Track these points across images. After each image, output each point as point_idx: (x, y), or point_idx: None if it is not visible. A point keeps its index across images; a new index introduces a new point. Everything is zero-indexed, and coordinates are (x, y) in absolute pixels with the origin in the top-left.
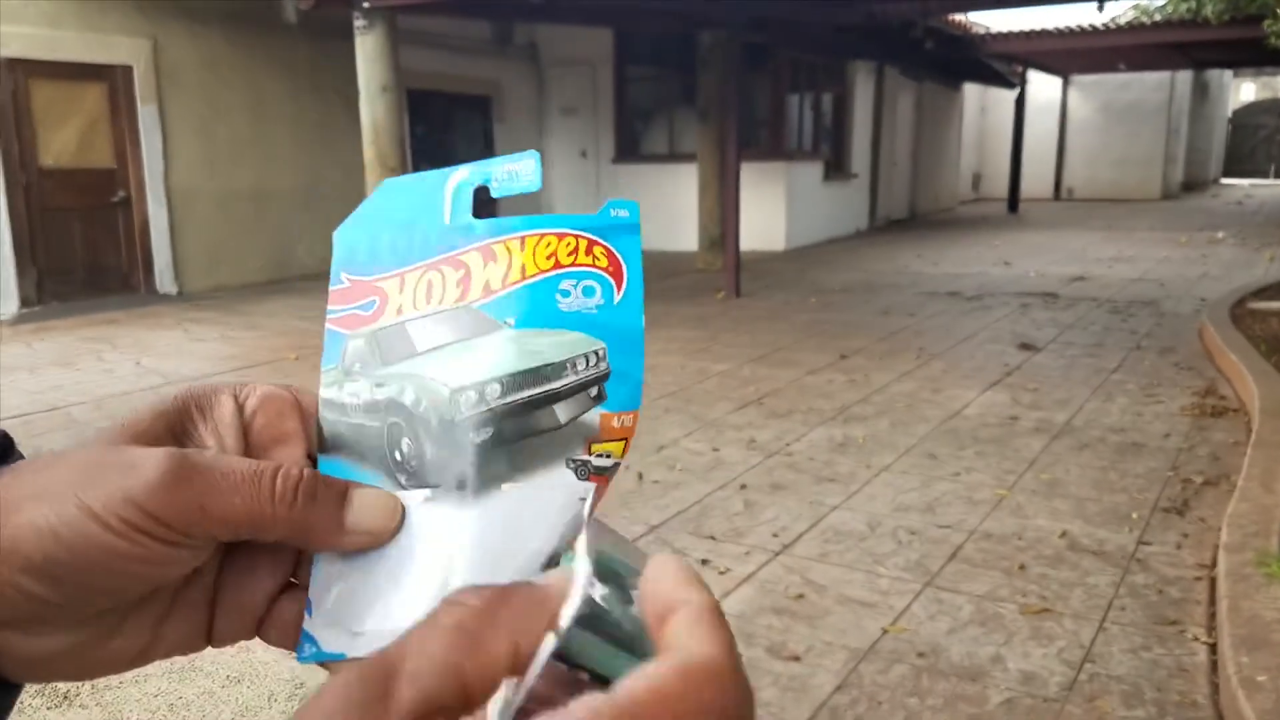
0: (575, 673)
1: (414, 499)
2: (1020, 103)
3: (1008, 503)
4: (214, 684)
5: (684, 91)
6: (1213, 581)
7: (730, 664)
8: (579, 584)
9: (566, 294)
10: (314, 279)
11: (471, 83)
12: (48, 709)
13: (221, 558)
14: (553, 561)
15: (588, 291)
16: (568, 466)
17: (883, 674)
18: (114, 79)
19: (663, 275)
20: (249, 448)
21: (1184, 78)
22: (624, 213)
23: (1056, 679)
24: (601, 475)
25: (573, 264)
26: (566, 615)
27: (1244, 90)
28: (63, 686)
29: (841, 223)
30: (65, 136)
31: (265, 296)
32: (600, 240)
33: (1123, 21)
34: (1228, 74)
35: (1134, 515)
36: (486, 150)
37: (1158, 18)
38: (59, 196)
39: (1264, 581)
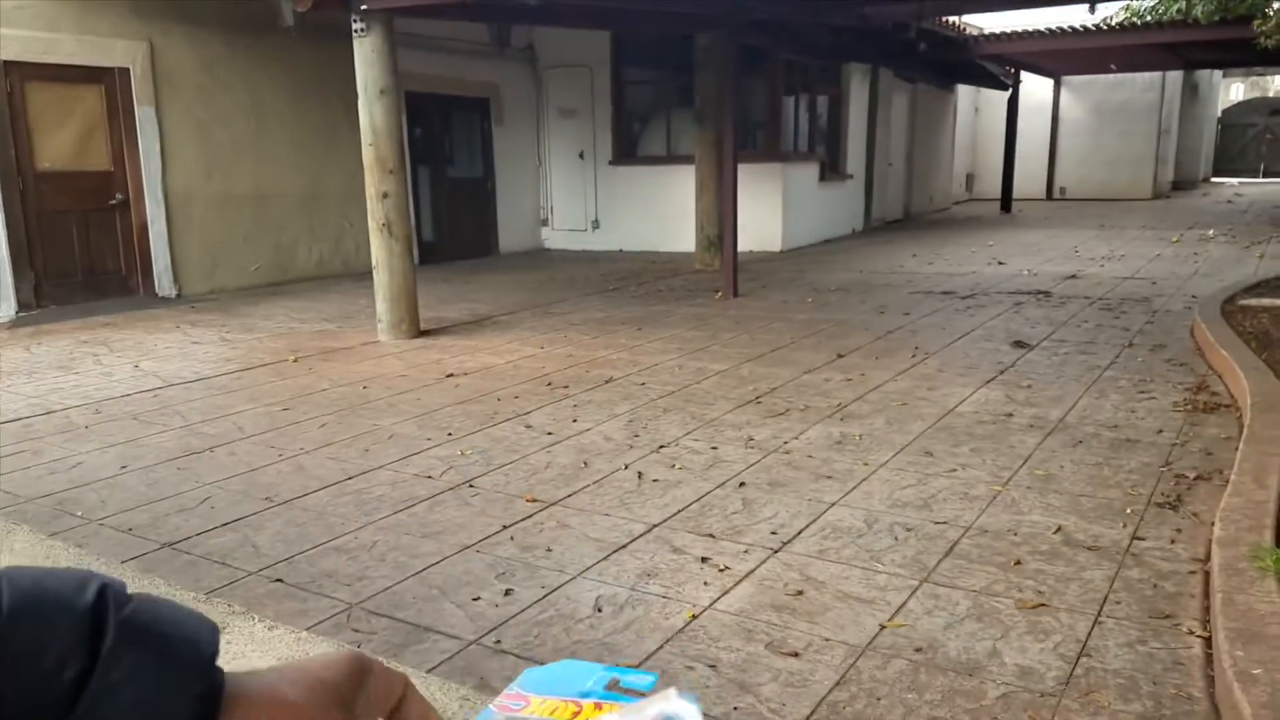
0: None
1: None
2: (1013, 103)
3: (1003, 498)
4: None
5: (681, 94)
6: (1207, 575)
7: None
8: None
9: None
10: (313, 281)
11: (470, 85)
12: None
13: None
14: None
15: None
16: None
17: (881, 670)
18: (110, 81)
19: (661, 276)
20: None
21: (1174, 78)
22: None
23: (1053, 673)
24: None
25: None
26: None
27: (1233, 90)
28: None
29: (837, 223)
30: (62, 139)
31: (264, 299)
32: None
33: (1114, 23)
34: (1217, 74)
35: (1128, 510)
36: (485, 152)
37: (1148, 19)
38: (56, 199)
39: (1257, 575)
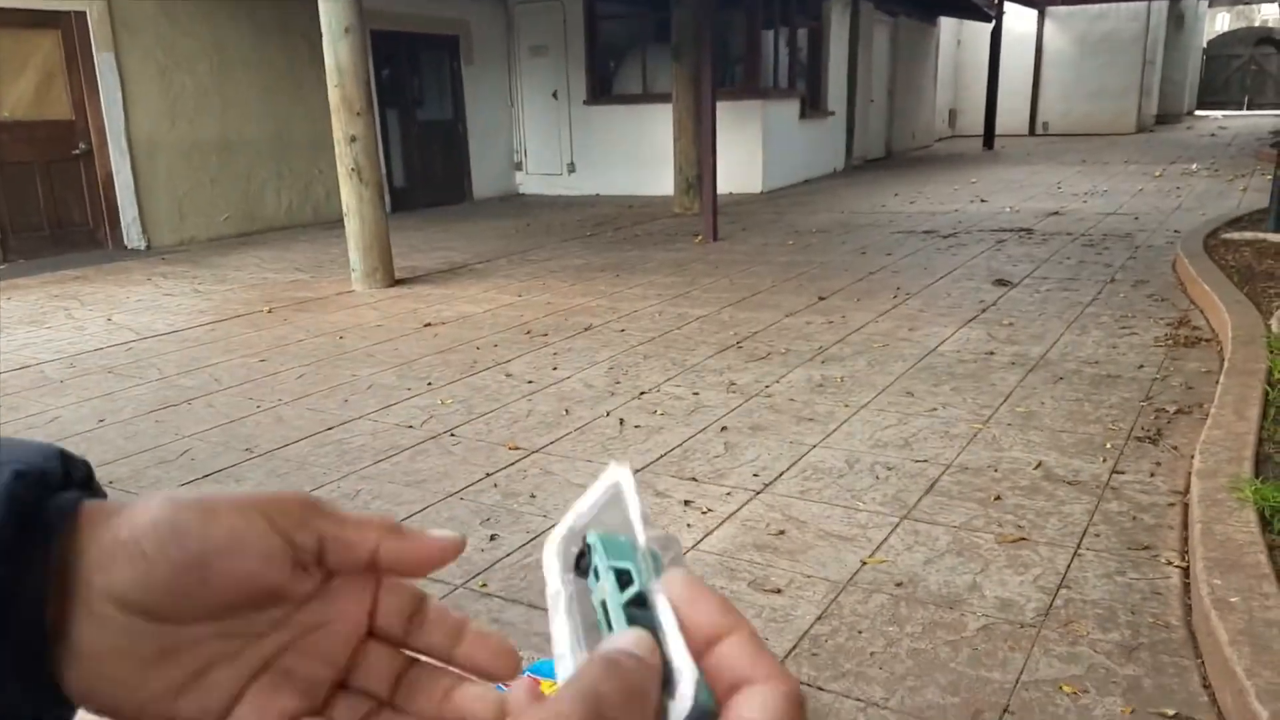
0: None
1: None
2: (996, 36)
3: (983, 436)
4: None
5: (658, 28)
6: (1185, 507)
7: None
8: (685, 694)
9: None
10: (283, 230)
11: (438, 22)
12: None
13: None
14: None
15: None
16: None
17: (862, 604)
18: (67, 26)
19: (639, 220)
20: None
21: (1159, 7)
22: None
23: (1033, 605)
24: None
25: None
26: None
27: (1219, 20)
28: None
29: (818, 163)
30: (20, 88)
31: (235, 249)
32: None
33: None
34: (1203, 3)
35: (1108, 445)
36: (455, 93)
37: None
38: (17, 150)
39: (1236, 506)
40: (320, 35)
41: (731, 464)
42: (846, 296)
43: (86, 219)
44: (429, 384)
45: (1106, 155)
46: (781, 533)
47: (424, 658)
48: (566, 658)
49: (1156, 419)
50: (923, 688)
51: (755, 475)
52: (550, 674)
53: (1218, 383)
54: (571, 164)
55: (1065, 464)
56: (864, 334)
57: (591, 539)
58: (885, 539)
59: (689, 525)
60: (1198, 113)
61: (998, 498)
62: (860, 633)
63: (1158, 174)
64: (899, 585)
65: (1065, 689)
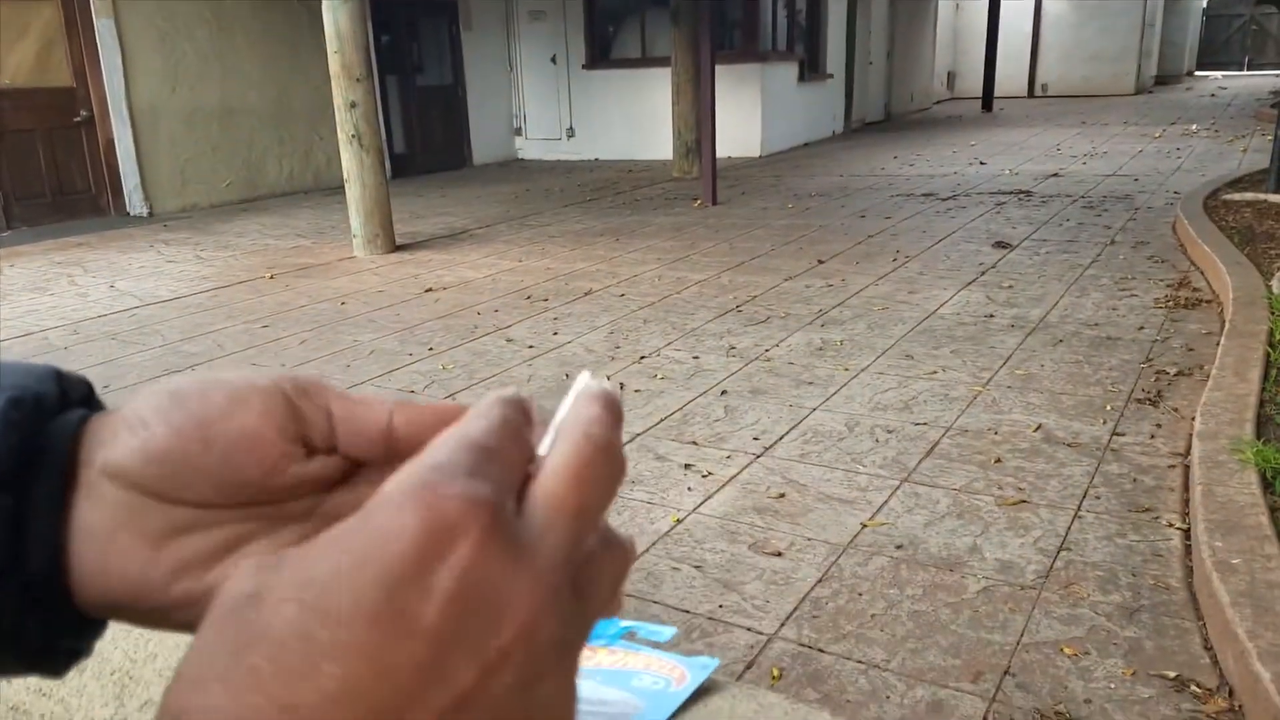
0: None
1: None
2: None
3: (983, 399)
4: None
5: None
6: (1186, 469)
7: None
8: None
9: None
10: (284, 196)
11: None
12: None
13: None
14: None
15: (655, 682)
16: None
17: (862, 566)
18: None
19: (638, 185)
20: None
21: None
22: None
23: (1033, 567)
24: None
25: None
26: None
27: None
28: None
29: (817, 126)
30: (20, 54)
31: (237, 215)
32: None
33: None
34: None
35: (1108, 407)
36: (454, 58)
37: None
38: (19, 118)
39: (1238, 468)
40: (320, 1)
41: (731, 428)
42: (846, 260)
43: (89, 186)
44: (430, 349)
45: (1105, 117)
46: (782, 496)
47: None
48: None
49: (1157, 381)
50: (924, 650)
51: (755, 439)
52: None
53: (1218, 344)
54: (571, 129)
55: (1065, 426)
56: (863, 297)
57: None
58: (885, 502)
59: (689, 489)
60: (1197, 73)
61: (998, 460)
62: (861, 595)
63: (1157, 135)
64: (899, 548)
65: (1066, 651)
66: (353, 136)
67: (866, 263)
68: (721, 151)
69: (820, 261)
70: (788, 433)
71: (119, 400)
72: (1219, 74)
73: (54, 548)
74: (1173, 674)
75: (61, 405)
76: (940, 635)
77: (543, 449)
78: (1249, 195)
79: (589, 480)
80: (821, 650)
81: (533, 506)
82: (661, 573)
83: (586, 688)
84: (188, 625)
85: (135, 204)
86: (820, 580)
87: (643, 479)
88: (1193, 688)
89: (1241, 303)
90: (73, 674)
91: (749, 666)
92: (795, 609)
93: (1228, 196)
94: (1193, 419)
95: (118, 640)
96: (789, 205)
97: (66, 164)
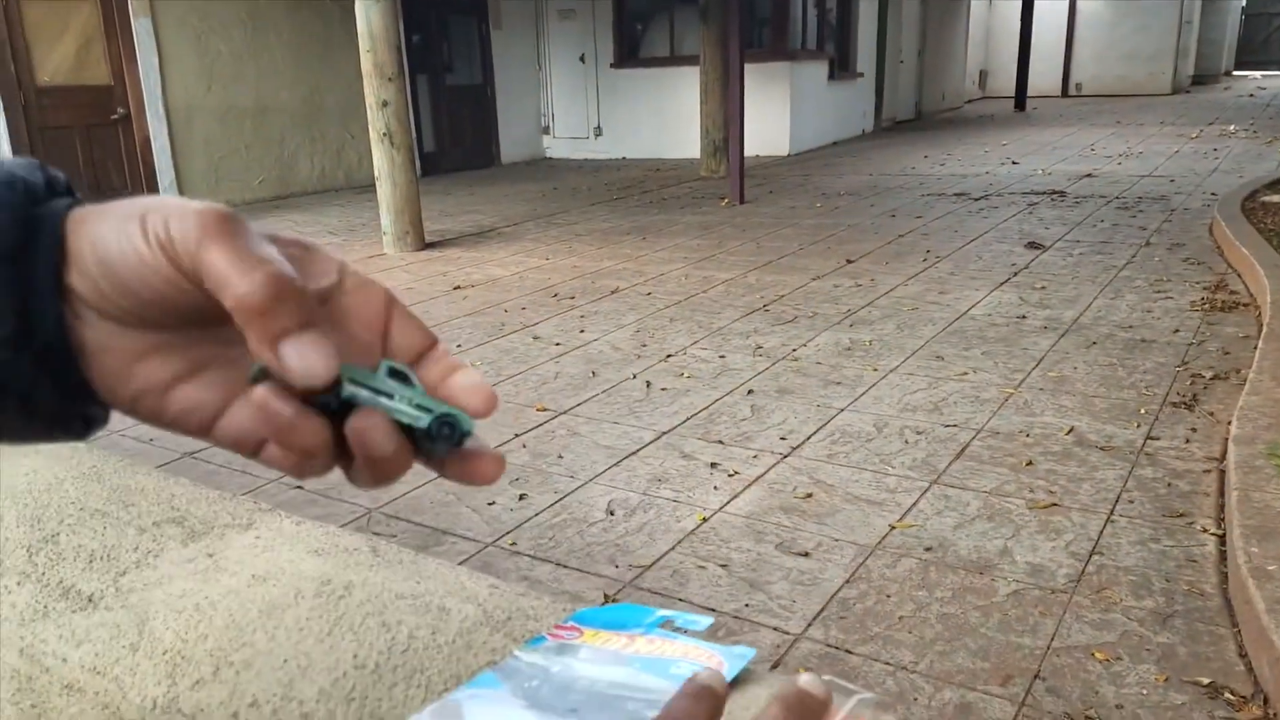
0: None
1: None
2: None
3: (1015, 400)
4: (239, 583)
5: None
6: (1222, 474)
7: None
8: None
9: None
10: (316, 194)
11: None
12: (73, 612)
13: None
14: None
15: (693, 669)
16: None
17: (891, 568)
18: None
19: (665, 184)
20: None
21: None
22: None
23: (1064, 571)
24: None
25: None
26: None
27: None
28: (87, 589)
29: (847, 124)
30: (61, 53)
31: (268, 213)
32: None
33: None
34: None
35: (1142, 410)
36: (484, 57)
37: None
38: (58, 115)
39: (1275, 473)
40: (352, 1)
41: (758, 427)
42: (875, 259)
43: (125, 182)
44: (458, 346)
45: (1141, 117)
46: (809, 496)
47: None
48: None
49: (1192, 384)
50: (952, 652)
51: (782, 438)
52: (591, 622)
53: (1256, 348)
54: (598, 128)
55: (1098, 429)
56: (893, 297)
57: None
58: (914, 503)
59: (715, 488)
60: (1236, 73)
61: (1029, 463)
62: (889, 596)
63: (1194, 135)
64: (928, 550)
65: (1098, 655)
66: (384, 135)
67: (896, 262)
68: (749, 150)
69: (849, 261)
70: (815, 433)
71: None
72: (1258, 74)
73: (58, 318)
74: (1206, 681)
75: (49, 194)
76: (969, 638)
77: None
78: None
79: None
80: (849, 651)
81: None
82: (687, 571)
83: (625, 674)
84: (149, 422)
85: None
86: (848, 581)
87: (669, 477)
88: (1227, 695)
89: None
90: (125, 653)
91: (775, 666)
92: (822, 609)
93: (1266, 198)
94: (1229, 423)
95: (169, 621)
96: (817, 204)
97: (103, 161)
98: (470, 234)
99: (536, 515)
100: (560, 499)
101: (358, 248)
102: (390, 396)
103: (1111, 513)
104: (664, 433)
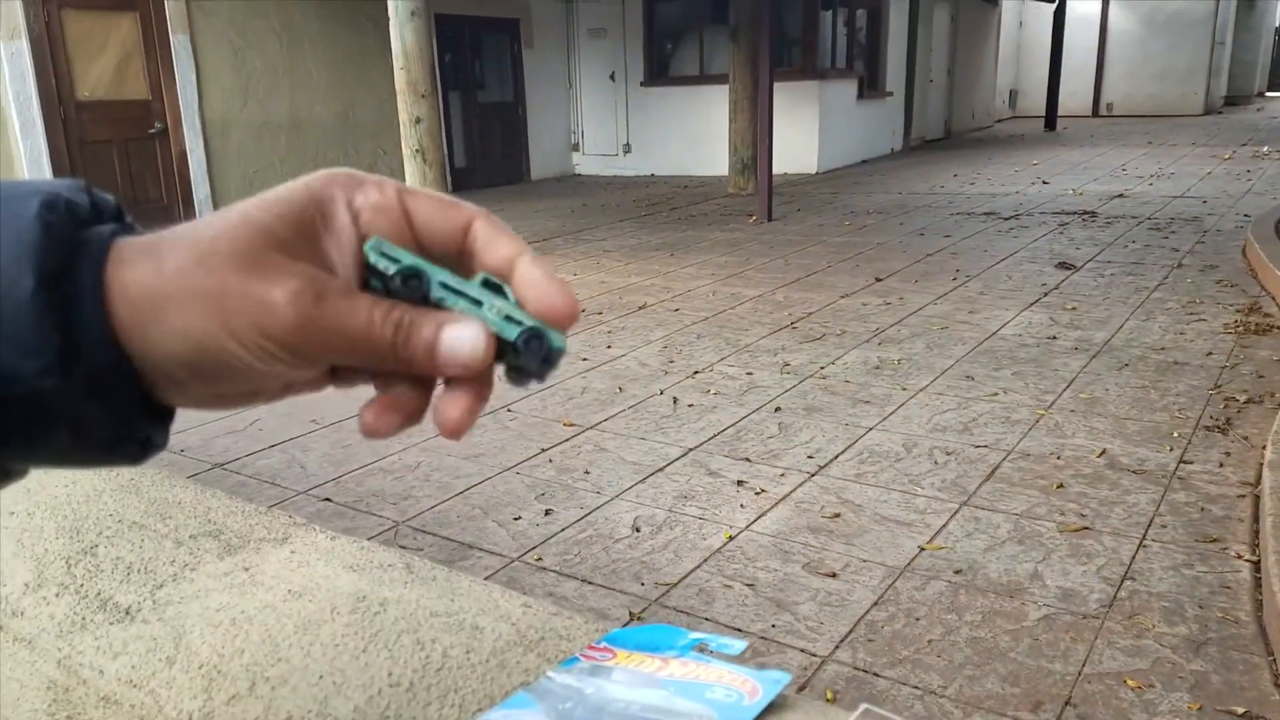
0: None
1: None
2: (1059, 15)
3: (1046, 422)
4: (275, 598)
5: (715, 8)
6: (1256, 499)
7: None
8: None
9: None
10: None
11: (499, 5)
12: (110, 624)
13: None
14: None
15: (728, 695)
16: None
17: (920, 590)
18: (145, 9)
19: (693, 200)
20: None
21: None
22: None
23: (1096, 595)
24: None
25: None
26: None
27: None
28: (124, 602)
29: (876, 143)
30: (100, 68)
31: None
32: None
33: None
34: None
35: (1175, 434)
36: (515, 75)
37: None
38: (97, 129)
39: None
40: (387, 19)
41: (785, 445)
42: (904, 278)
43: (161, 195)
44: None
45: (1173, 137)
46: (837, 516)
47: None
48: None
49: (1226, 408)
50: (982, 677)
51: (810, 457)
52: (624, 644)
53: None
54: (627, 145)
55: (1130, 452)
56: (922, 316)
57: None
58: (944, 525)
59: (742, 506)
60: (1269, 94)
61: (1060, 485)
62: (918, 619)
63: (1226, 156)
64: (958, 572)
65: (1130, 683)
66: (416, 151)
67: (925, 281)
68: (778, 168)
69: (878, 279)
70: (843, 452)
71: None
72: None
73: (107, 340)
74: (1241, 710)
75: (95, 216)
76: (999, 663)
77: None
78: None
79: None
80: (876, 674)
81: None
82: (713, 590)
83: (659, 698)
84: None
85: (205, 213)
86: (876, 603)
87: (695, 494)
88: None
89: None
90: (161, 666)
91: (802, 688)
92: (850, 631)
93: None
94: (1263, 448)
95: (205, 635)
96: (846, 222)
97: (141, 174)
98: None
99: (562, 531)
100: (586, 515)
101: None
102: (479, 305)
103: (1144, 537)
104: (690, 449)
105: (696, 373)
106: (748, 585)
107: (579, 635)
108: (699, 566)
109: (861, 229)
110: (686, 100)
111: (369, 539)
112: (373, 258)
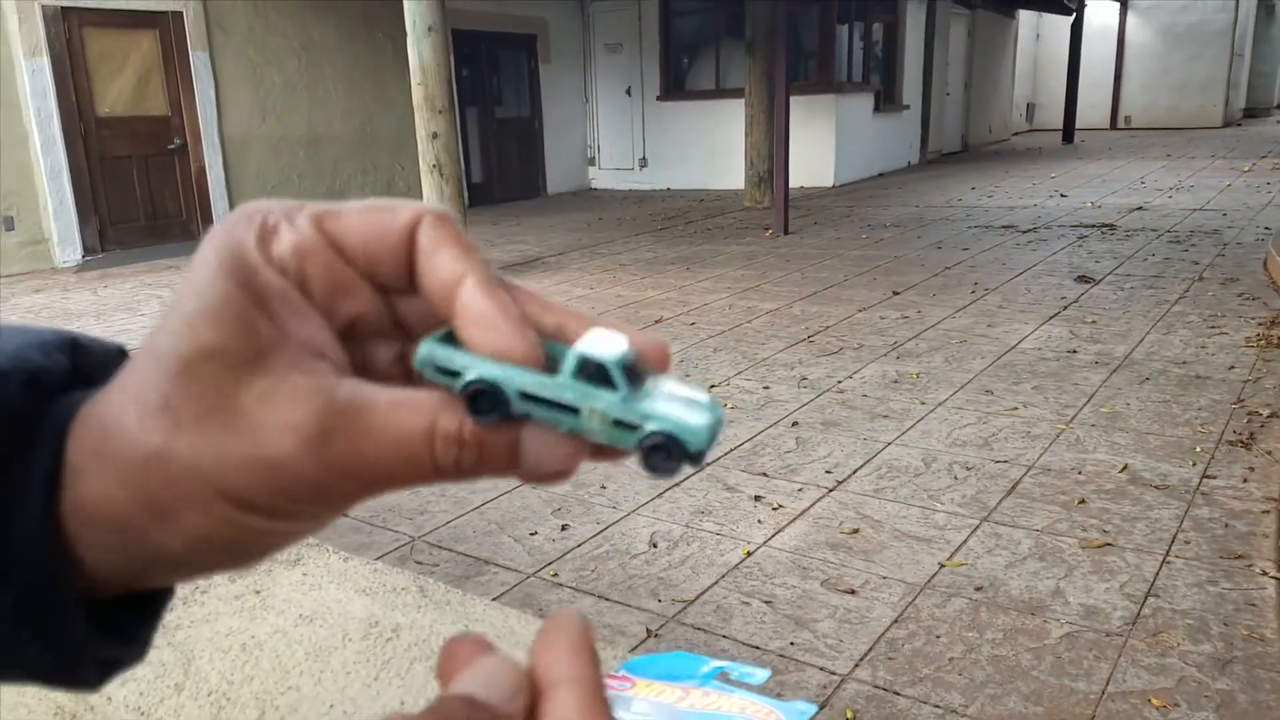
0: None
1: None
2: (1077, 28)
3: (1066, 437)
4: (286, 622)
5: (731, 23)
6: None
7: None
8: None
9: None
10: None
11: (516, 21)
12: None
13: None
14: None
15: None
16: None
17: (940, 608)
18: (165, 26)
19: (709, 214)
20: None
21: None
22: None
23: (1119, 613)
24: None
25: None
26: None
27: None
28: None
29: (892, 156)
30: (120, 85)
31: None
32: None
33: None
34: None
35: (1197, 449)
36: (532, 90)
37: None
38: (117, 145)
39: None
40: (404, 34)
41: (803, 460)
42: (922, 291)
43: (180, 211)
44: None
45: (1192, 150)
46: (855, 531)
47: None
48: None
49: (1249, 422)
50: (1004, 695)
51: (828, 472)
52: (643, 673)
53: None
54: (644, 159)
55: (1153, 467)
56: (940, 330)
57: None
58: (964, 541)
59: (760, 521)
60: None
61: (1082, 501)
62: (939, 637)
63: (1246, 169)
64: (979, 589)
65: (1154, 702)
66: (434, 166)
67: (943, 294)
68: (794, 181)
69: (895, 293)
70: (861, 467)
71: None
72: None
73: (48, 554)
74: None
75: (74, 378)
76: (1021, 681)
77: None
78: None
79: None
80: (897, 693)
81: None
82: (731, 607)
83: None
84: None
85: None
86: (896, 620)
87: (712, 510)
88: None
89: None
90: (170, 693)
91: (822, 708)
92: (870, 649)
93: None
94: None
95: (215, 661)
96: (863, 235)
97: (160, 190)
98: (516, 264)
99: (579, 546)
100: (602, 530)
101: None
102: (575, 412)
103: (1167, 554)
104: (708, 464)
105: (713, 386)
106: (766, 602)
107: None
108: (716, 583)
109: (879, 242)
110: (702, 114)
111: (380, 558)
112: (429, 374)
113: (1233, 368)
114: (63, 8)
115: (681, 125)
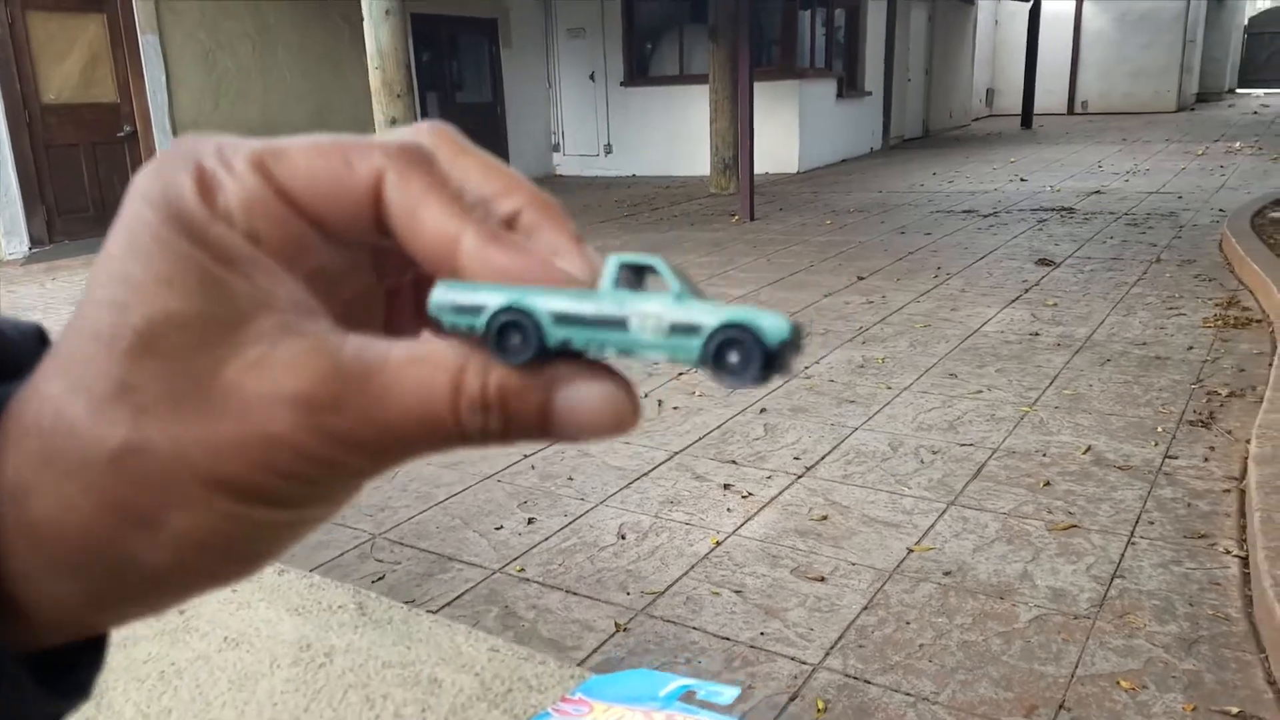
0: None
1: None
2: (1034, 15)
3: (1030, 419)
4: (210, 647)
5: (694, 8)
6: (1242, 494)
7: None
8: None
9: None
10: None
11: (477, 5)
12: None
13: None
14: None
15: None
16: None
17: (909, 593)
18: (113, 9)
19: (675, 201)
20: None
21: None
22: None
23: (1086, 595)
24: None
25: None
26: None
27: None
28: None
29: (855, 142)
30: (67, 71)
31: None
32: None
33: None
34: None
35: (1159, 429)
36: (494, 76)
37: None
38: (64, 133)
39: None
40: (361, 18)
41: (771, 446)
42: (886, 276)
43: None
44: None
45: (1147, 134)
46: (824, 518)
47: None
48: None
49: (1209, 402)
50: (974, 681)
51: (796, 458)
52: (601, 695)
53: (1270, 365)
54: (608, 145)
55: (1116, 448)
56: (905, 314)
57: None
58: (932, 526)
59: (729, 510)
60: (1239, 91)
61: (1047, 483)
62: (908, 623)
63: (1200, 152)
64: (947, 574)
65: (1123, 684)
66: None
67: (907, 279)
68: (759, 168)
69: (860, 278)
70: (829, 453)
71: None
72: (1260, 92)
73: None
74: (1235, 710)
75: None
76: (991, 666)
77: None
78: None
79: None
80: (868, 681)
81: None
82: (701, 597)
83: None
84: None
85: None
86: (866, 607)
87: (681, 499)
88: None
89: None
90: None
91: (793, 698)
92: (840, 638)
93: (1275, 214)
94: (1247, 442)
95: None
96: (827, 221)
97: (109, 179)
98: None
99: (545, 540)
100: (570, 522)
101: None
102: (622, 325)
103: (1132, 534)
104: (676, 453)
105: (681, 375)
106: (735, 592)
107: (551, 685)
108: (686, 574)
109: (843, 228)
110: (667, 100)
111: (342, 553)
112: (448, 319)
113: (1191, 348)
114: None
115: (646, 111)
